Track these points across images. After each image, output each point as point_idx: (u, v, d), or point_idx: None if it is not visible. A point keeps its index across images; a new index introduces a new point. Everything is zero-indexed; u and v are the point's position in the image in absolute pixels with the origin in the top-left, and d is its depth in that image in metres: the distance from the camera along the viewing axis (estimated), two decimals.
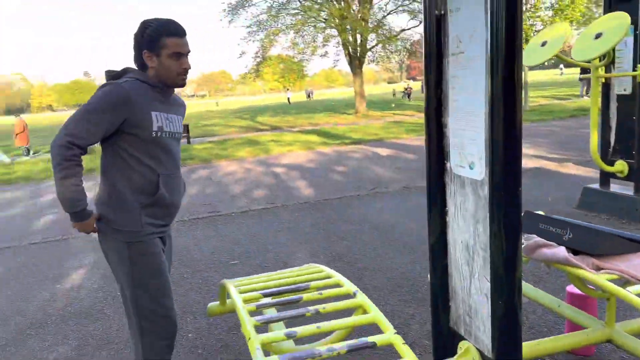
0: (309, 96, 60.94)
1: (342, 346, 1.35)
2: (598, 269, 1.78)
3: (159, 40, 1.90)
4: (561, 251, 1.83)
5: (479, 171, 1.60)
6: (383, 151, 11.03)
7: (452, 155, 1.77)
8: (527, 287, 2.40)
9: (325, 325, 1.49)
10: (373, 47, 27.25)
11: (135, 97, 1.90)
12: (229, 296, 2.38)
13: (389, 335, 1.40)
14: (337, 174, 8.51)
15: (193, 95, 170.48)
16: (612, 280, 1.72)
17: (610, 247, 1.78)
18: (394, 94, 35.77)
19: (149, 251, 1.96)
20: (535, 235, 1.99)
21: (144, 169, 1.95)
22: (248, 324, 1.50)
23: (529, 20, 17.19)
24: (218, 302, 2.32)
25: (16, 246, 5.47)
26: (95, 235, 2.02)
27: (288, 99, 49.37)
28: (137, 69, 2.02)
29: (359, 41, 25.97)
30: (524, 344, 2.04)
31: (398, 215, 5.46)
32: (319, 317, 1.60)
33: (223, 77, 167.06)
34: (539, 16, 17.01)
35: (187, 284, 3.93)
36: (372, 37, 26.57)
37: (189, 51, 1.99)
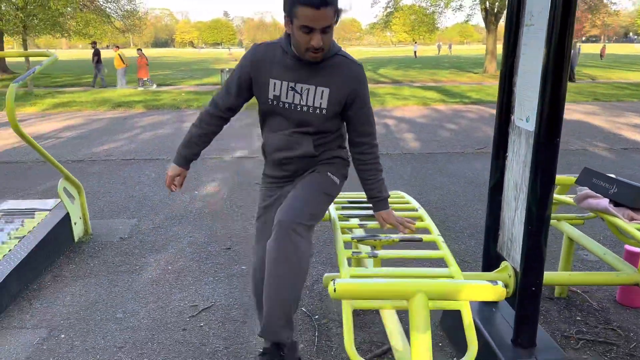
0: (440, 50, 58.92)
1: (396, 236, 1.87)
2: (632, 219, 2.06)
3: (294, 6, 1.70)
4: (603, 202, 2.13)
5: (531, 123, 1.97)
6: None
7: (516, 109, 2.14)
8: (585, 239, 2.69)
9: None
10: None
11: (259, 61, 1.87)
12: None
13: (434, 236, 1.88)
14: (446, 130, 8.71)
15: None
16: None
17: None
18: None
19: (259, 198, 2.15)
20: (587, 188, 2.29)
21: (265, 128, 2.02)
22: (334, 214, 2.07)
23: None
24: None
25: (164, 159, 6.64)
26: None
27: (414, 52, 48.25)
28: None
29: None
30: (559, 273, 2.40)
31: None
32: None
33: (352, 26, 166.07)
34: None
35: None
36: None
37: (325, 26, 1.72)
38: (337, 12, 1.76)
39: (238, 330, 2.60)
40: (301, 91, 1.87)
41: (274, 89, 1.88)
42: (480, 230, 3.99)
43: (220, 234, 3.96)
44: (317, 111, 1.91)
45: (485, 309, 2.33)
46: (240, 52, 75.94)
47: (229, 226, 4.13)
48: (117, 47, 18.51)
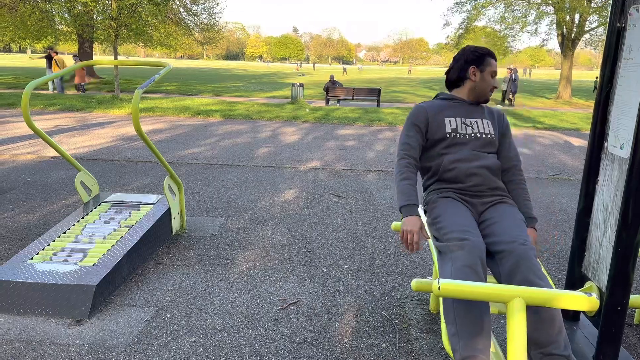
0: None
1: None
2: None
3: (485, 59, 2.46)
4: None
5: (626, 151, 2.08)
6: (576, 141, 10.59)
7: (610, 136, 2.25)
8: None
9: None
10: (592, 29, 24.78)
11: (429, 111, 2.46)
12: None
13: None
14: (520, 155, 8.61)
15: (386, 61, 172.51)
16: None
17: None
18: None
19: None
20: None
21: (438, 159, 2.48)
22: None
23: None
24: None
25: (243, 165, 7.05)
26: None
27: None
28: (446, 87, 2.56)
29: (576, 21, 23.86)
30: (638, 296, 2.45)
31: (572, 203, 5.62)
32: None
33: (419, 45, 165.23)
34: None
35: (370, 217, 4.85)
36: (593, 18, 24.15)
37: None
38: None
39: (324, 325, 2.82)
40: (472, 124, 2.46)
41: (451, 124, 2.44)
42: (557, 254, 4.02)
43: (300, 237, 4.22)
44: (485, 136, 2.45)
45: (566, 326, 2.42)
46: (307, 68, 77.95)
47: (307, 231, 4.39)
48: (56, 52, 19.37)
